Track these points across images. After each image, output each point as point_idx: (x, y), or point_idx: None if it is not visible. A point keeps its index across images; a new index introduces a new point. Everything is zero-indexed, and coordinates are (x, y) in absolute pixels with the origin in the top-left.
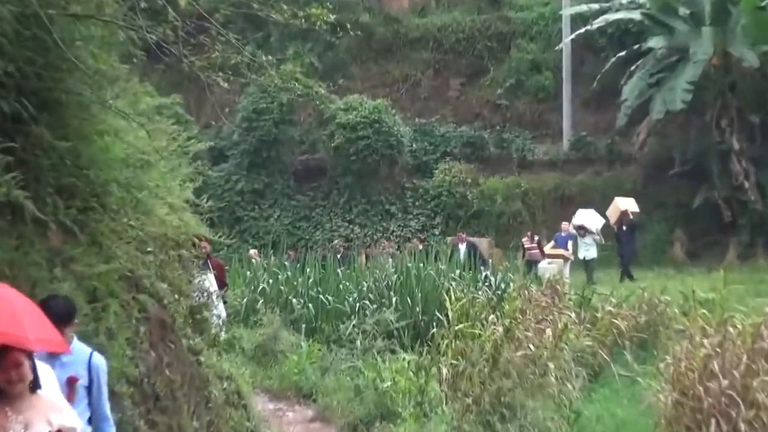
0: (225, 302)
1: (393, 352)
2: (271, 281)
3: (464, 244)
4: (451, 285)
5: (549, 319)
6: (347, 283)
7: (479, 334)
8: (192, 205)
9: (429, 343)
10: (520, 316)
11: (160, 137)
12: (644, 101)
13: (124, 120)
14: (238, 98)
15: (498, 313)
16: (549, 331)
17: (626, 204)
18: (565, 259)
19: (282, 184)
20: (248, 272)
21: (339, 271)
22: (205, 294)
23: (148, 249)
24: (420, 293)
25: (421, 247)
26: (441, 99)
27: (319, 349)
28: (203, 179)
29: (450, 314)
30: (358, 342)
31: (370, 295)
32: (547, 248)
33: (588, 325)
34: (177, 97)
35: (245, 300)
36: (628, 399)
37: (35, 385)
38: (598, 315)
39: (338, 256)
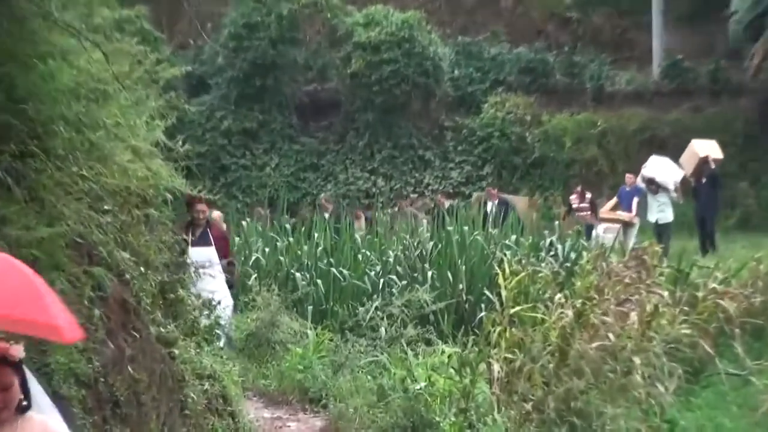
0: (232, 287)
1: (428, 342)
2: (267, 250)
3: (495, 202)
4: (505, 255)
5: (634, 300)
6: (368, 253)
7: (542, 319)
8: (163, 149)
9: (476, 331)
10: (596, 296)
11: (121, 61)
12: (760, 13)
13: (73, 38)
14: (224, 9)
15: (567, 292)
16: (634, 316)
17: (707, 148)
18: (627, 224)
19: (282, 122)
20: (237, 237)
21: (357, 236)
22: (211, 301)
23: (105, 207)
24: (464, 266)
25: (447, 204)
26: (491, 10)
27: (331, 339)
28: (178, 116)
29: (503, 293)
30: (383, 329)
31: (399, 268)
32: (605, 209)
33: (686, 308)
34: (143, 8)
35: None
36: (739, 405)
37: (26, 405)
38: (699, 295)
39: (325, 216)
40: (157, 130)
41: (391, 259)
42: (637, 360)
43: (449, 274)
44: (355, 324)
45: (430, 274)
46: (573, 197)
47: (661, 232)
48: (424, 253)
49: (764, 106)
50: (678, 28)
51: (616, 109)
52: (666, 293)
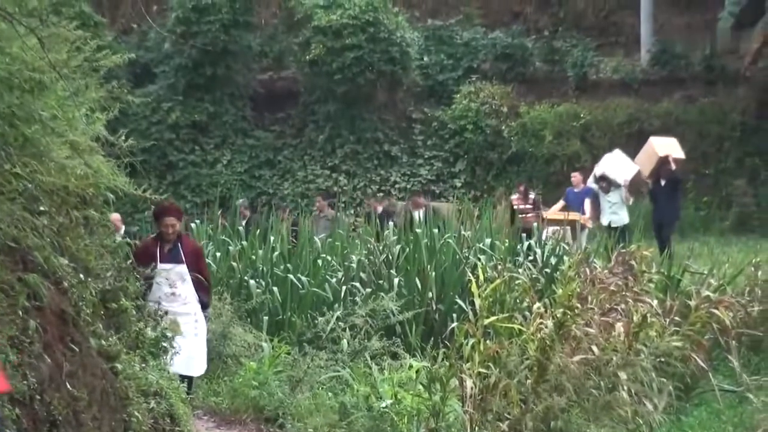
0: (205, 308)
1: (395, 356)
2: (218, 255)
3: (421, 211)
4: (479, 260)
5: (620, 309)
6: (329, 258)
7: (519, 330)
8: (104, 144)
9: (447, 343)
10: (579, 305)
11: (58, 47)
12: None
13: (5, 23)
14: None
15: (547, 301)
16: (620, 327)
17: (667, 147)
18: (581, 226)
19: (234, 114)
20: None
21: (317, 239)
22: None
23: (41, 208)
24: (434, 272)
25: (380, 209)
26: None
27: (288, 353)
28: (121, 107)
29: (477, 302)
30: (345, 342)
31: (362, 274)
32: (551, 213)
33: (677, 318)
34: None
35: None
36: (734, 424)
37: None
38: (692, 303)
39: (243, 221)
40: (97, 123)
41: (354, 265)
42: (623, 375)
43: (418, 281)
44: (314, 336)
45: (396, 281)
46: (515, 197)
47: (617, 236)
48: (390, 257)
49: (763, 95)
50: (669, 11)
51: (600, 100)
52: (655, 302)
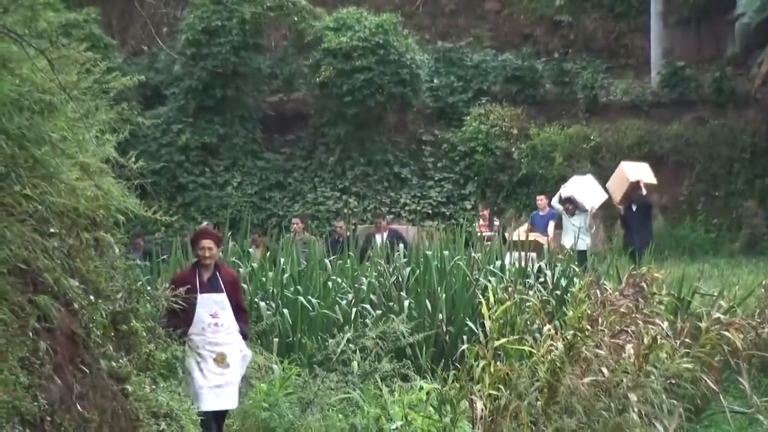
0: (246, 338)
1: (405, 378)
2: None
3: (385, 234)
4: (489, 281)
5: (631, 331)
6: (339, 280)
7: (530, 352)
8: (115, 166)
9: (457, 365)
10: (589, 327)
11: (68, 69)
12: None
13: (15, 45)
14: (181, 13)
15: (557, 323)
16: (630, 349)
17: (638, 172)
18: (541, 248)
19: (244, 136)
20: None
21: (328, 261)
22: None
23: (51, 230)
24: (444, 294)
25: (347, 233)
26: (474, 14)
27: (299, 375)
28: (131, 129)
29: (487, 324)
30: (355, 364)
31: (372, 296)
32: (517, 234)
33: (687, 340)
34: (93, 11)
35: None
36: None
37: None
38: (702, 325)
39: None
40: (107, 145)
41: (364, 287)
42: (633, 397)
43: (428, 303)
44: (325, 357)
45: (407, 303)
46: (479, 223)
47: (577, 260)
48: (401, 279)
49: None
50: (679, 33)
51: (611, 122)
52: (665, 324)
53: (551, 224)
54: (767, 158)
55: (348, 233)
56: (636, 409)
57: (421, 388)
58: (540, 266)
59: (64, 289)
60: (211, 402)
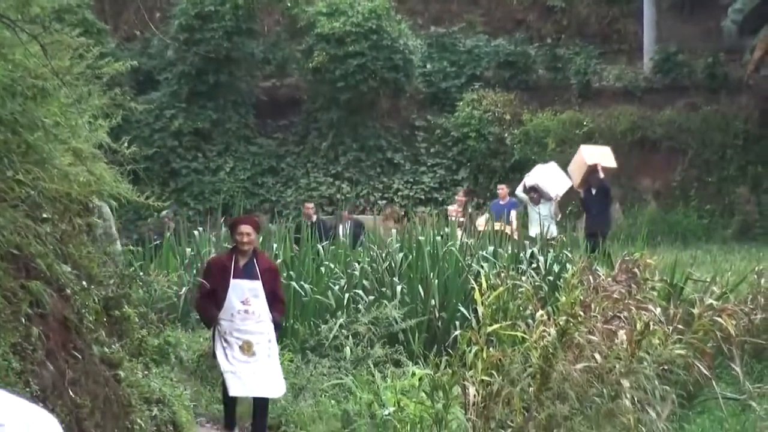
0: (279, 328)
1: (398, 364)
2: None
3: (348, 224)
4: (482, 267)
5: (623, 317)
6: (332, 266)
7: (522, 338)
8: (107, 151)
9: (449, 351)
10: (582, 313)
11: (61, 54)
12: (763, 1)
13: (8, 30)
14: None
15: (550, 309)
16: (623, 335)
17: (597, 155)
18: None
19: (237, 121)
20: (189, 249)
21: (321, 246)
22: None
23: (44, 215)
24: (437, 279)
25: (314, 217)
26: None
27: (291, 360)
28: (124, 115)
29: (480, 310)
30: (348, 349)
31: (365, 282)
32: (479, 222)
33: (680, 326)
34: None
35: (184, 290)
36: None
37: None
38: (695, 312)
39: (168, 232)
40: (100, 130)
41: (356, 272)
42: (626, 383)
43: (420, 289)
44: (317, 343)
45: (399, 288)
46: (453, 207)
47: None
48: (393, 265)
49: (766, 104)
50: (672, 18)
51: (604, 107)
52: (658, 310)
53: (513, 213)
54: (760, 145)
55: (315, 217)
56: (629, 395)
57: (414, 373)
58: (533, 252)
59: (56, 274)
60: (237, 388)
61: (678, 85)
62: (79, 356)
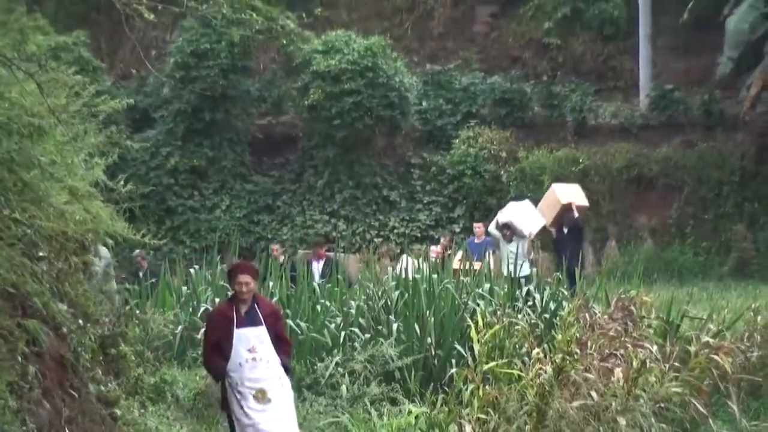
0: (288, 371)
1: (394, 402)
2: (217, 300)
3: (321, 261)
4: (478, 305)
5: (619, 355)
6: (328, 303)
7: (519, 376)
8: (103, 189)
9: (446, 389)
10: (578, 351)
11: (57, 92)
12: (758, 39)
13: (4, 68)
14: (170, 36)
15: (546, 346)
16: (619, 372)
17: (570, 194)
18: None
19: (233, 159)
20: (185, 288)
21: (316, 285)
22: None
23: (40, 254)
24: (433, 317)
25: (281, 258)
26: (463, 36)
27: None
28: (120, 153)
29: (476, 347)
30: (344, 387)
31: (361, 320)
32: (455, 260)
33: (676, 364)
34: (82, 34)
35: (180, 328)
36: None
37: None
38: (691, 349)
39: (139, 272)
40: (96, 168)
41: (353, 310)
42: (622, 421)
43: (416, 327)
44: (313, 381)
45: (395, 326)
46: (436, 248)
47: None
48: (389, 303)
49: (762, 140)
50: (667, 55)
51: (599, 145)
52: (654, 347)
53: (489, 251)
54: (756, 181)
55: (283, 258)
56: None
57: (410, 411)
58: (529, 289)
59: (52, 313)
60: None
61: (674, 122)
62: (76, 395)
